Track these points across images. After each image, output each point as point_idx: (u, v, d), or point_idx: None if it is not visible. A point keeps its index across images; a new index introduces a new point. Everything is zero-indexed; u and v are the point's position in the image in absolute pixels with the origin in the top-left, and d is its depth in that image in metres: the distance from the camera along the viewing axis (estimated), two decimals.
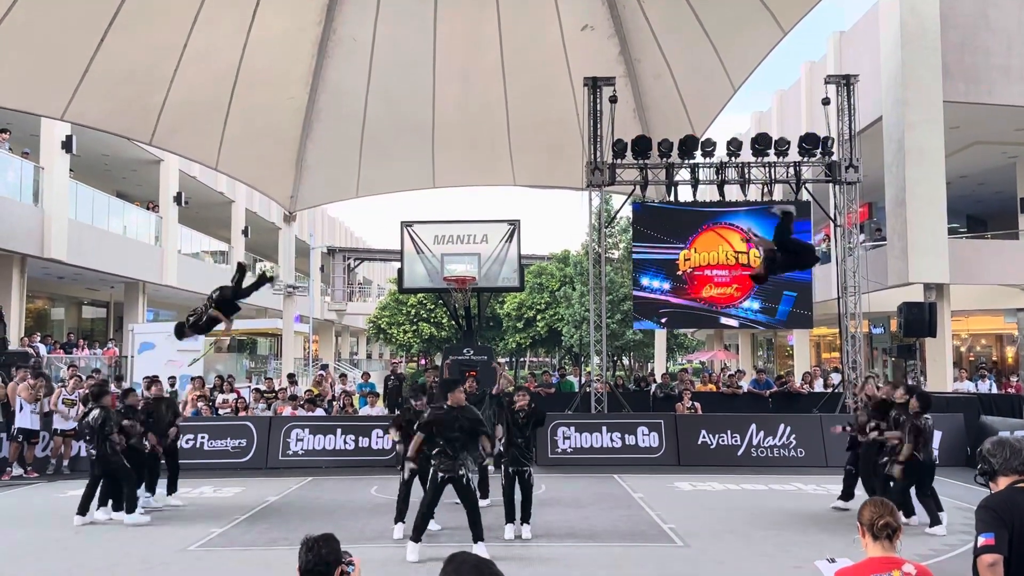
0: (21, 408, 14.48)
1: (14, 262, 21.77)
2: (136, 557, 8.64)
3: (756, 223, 17.34)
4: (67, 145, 22.80)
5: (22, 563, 8.49)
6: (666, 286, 17.45)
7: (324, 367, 27.15)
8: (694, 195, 17.85)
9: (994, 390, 19.35)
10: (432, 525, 9.03)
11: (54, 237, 22.09)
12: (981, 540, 3.67)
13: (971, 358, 28.12)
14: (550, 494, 11.36)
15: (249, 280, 11.83)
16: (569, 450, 15.40)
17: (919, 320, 17.57)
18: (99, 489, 10.61)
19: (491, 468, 11.49)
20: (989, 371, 20.66)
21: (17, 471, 14.41)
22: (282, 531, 9.82)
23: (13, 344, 19.68)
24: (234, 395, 17.65)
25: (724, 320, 18.14)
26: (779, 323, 18.50)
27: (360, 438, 15.30)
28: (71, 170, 23.67)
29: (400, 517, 9.50)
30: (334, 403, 17.56)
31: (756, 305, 17.47)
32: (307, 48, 19.01)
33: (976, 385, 18.90)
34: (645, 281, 17.59)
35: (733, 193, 18.23)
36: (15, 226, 20.85)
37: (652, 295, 17.66)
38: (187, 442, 15.27)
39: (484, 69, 19.85)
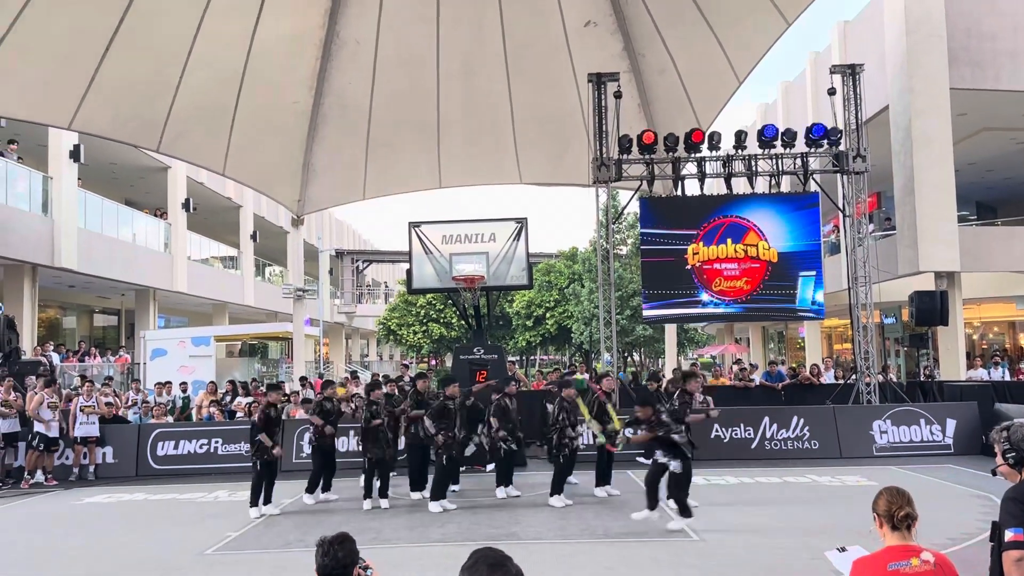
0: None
1: (25, 272, 21.89)
2: (153, 561, 8.69)
3: (763, 213, 17.34)
4: (75, 154, 22.93)
5: (42, 569, 8.55)
6: (672, 296, 17.52)
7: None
8: (701, 189, 17.80)
9: (1007, 377, 19.26)
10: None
11: (64, 246, 22.21)
12: (1009, 535, 3.60)
13: (984, 346, 27.99)
14: (564, 491, 11.40)
15: None
16: (581, 447, 15.34)
17: (931, 309, 17.50)
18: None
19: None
20: (1002, 358, 20.55)
21: (39, 478, 14.49)
22: (297, 534, 9.86)
23: (27, 354, 19.79)
24: (250, 398, 17.72)
25: (740, 312, 18.12)
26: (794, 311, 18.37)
27: None
28: (79, 179, 23.79)
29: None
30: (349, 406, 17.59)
31: (767, 296, 17.40)
32: (311, 51, 19.05)
33: (989, 373, 18.80)
34: (653, 295, 17.60)
35: (740, 186, 18.19)
36: (25, 236, 20.98)
37: (661, 311, 17.80)
38: (201, 447, 15.39)
39: (487, 67, 19.86)
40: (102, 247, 24.80)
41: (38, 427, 14.54)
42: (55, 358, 21.32)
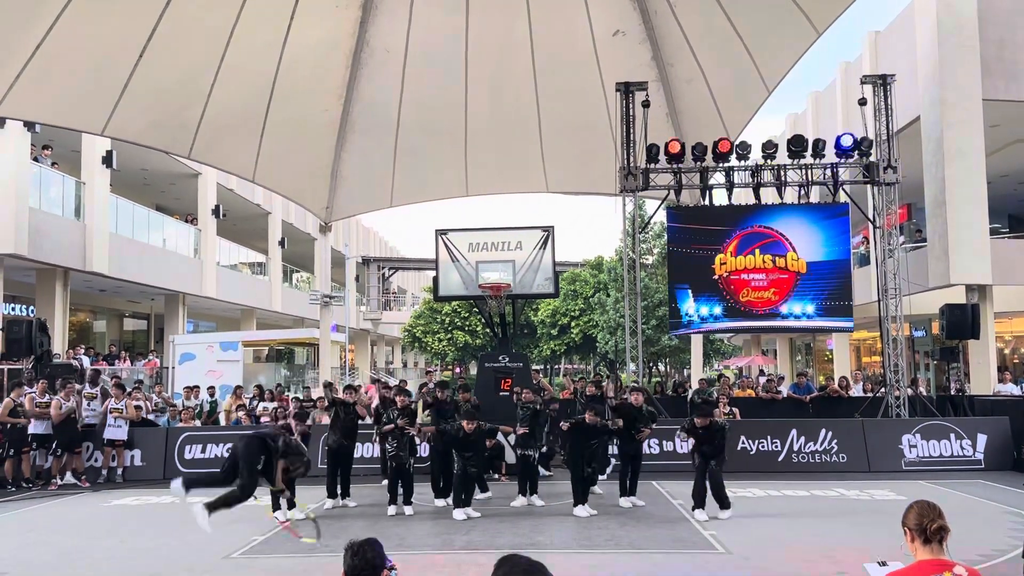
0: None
1: (57, 276, 22.21)
2: (180, 564, 8.75)
3: (792, 223, 17.23)
4: (107, 160, 23.26)
5: (70, 570, 8.64)
6: (705, 311, 17.44)
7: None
8: (729, 199, 17.71)
9: None
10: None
11: (96, 251, 22.52)
12: None
13: (1015, 360, 27.56)
14: (589, 501, 11.36)
15: None
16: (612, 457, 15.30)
17: (961, 322, 17.28)
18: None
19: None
20: None
21: (69, 480, 14.65)
22: (323, 538, 9.87)
23: (59, 357, 20.05)
24: (274, 403, 17.81)
25: (768, 324, 18.02)
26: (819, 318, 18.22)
27: None
28: (111, 184, 24.13)
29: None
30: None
31: (795, 308, 17.27)
32: (341, 60, 19.20)
33: (1021, 387, 18.51)
34: (684, 308, 17.55)
35: (769, 196, 18.09)
36: (58, 240, 21.29)
37: (693, 329, 17.82)
38: (228, 451, 15.45)
39: (516, 75, 19.90)
40: (133, 252, 25.11)
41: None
42: (85, 361, 21.59)
